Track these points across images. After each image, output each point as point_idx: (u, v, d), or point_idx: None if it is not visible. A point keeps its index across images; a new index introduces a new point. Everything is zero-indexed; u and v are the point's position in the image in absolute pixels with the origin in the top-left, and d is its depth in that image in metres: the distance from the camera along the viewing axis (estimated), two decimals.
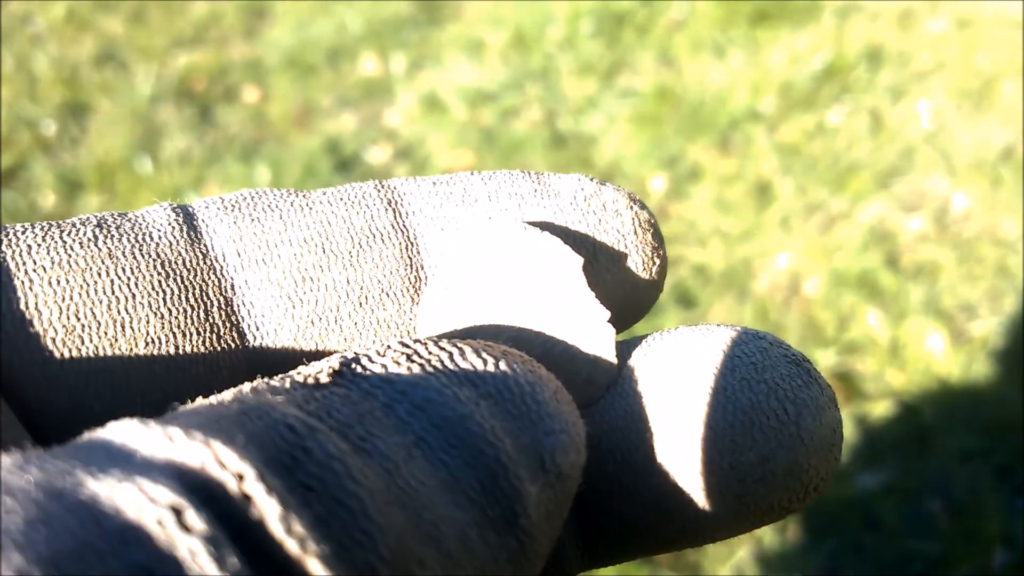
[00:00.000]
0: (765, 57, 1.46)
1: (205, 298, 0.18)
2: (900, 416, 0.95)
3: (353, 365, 0.14)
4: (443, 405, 0.14)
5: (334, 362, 0.14)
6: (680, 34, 1.53)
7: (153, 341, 0.17)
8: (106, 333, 0.17)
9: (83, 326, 0.17)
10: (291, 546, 0.11)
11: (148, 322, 0.17)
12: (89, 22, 1.84)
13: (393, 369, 0.14)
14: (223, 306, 0.18)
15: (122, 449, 0.12)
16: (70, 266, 0.17)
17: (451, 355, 0.15)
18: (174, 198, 1.33)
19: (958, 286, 1.08)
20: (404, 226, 0.19)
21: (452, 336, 0.18)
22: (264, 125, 1.50)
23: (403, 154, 1.38)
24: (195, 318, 0.18)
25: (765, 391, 0.17)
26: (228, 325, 0.18)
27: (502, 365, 0.15)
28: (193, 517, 0.11)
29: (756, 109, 1.37)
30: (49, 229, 0.18)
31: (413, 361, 0.14)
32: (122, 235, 0.18)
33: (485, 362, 0.15)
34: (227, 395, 0.13)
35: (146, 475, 0.11)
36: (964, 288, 1.08)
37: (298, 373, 0.14)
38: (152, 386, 0.17)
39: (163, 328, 0.18)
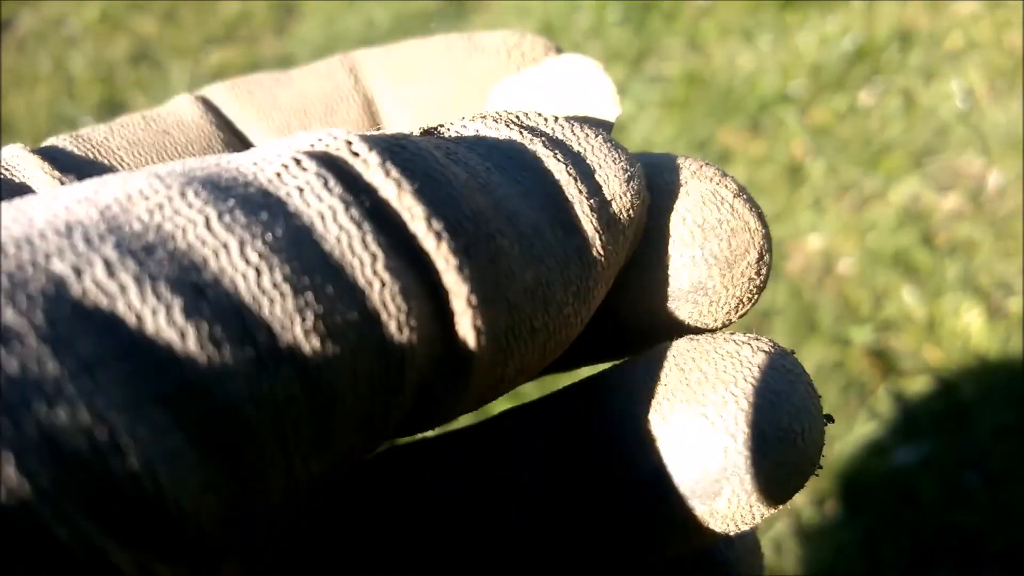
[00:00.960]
0: (794, 40, 1.46)
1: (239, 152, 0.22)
2: (937, 392, 0.95)
3: (438, 127, 0.17)
4: (515, 143, 0.16)
5: (422, 125, 0.17)
6: (708, 19, 1.53)
7: None
8: None
9: None
10: (389, 186, 0.13)
11: None
12: (123, 22, 1.88)
13: (471, 124, 0.17)
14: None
15: (250, 153, 0.14)
16: (141, 144, 0.21)
17: (517, 116, 0.17)
18: None
19: (994, 263, 1.07)
20: (364, 87, 0.24)
21: None
22: None
23: None
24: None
25: (673, 218, 0.19)
26: None
27: (561, 120, 0.17)
28: (308, 162, 0.13)
29: (786, 92, 1.36)
30: (95, 134, 0.22)
31: (487, 118, 0.17)
32: (166, 119, 0.22)
33: (546, 119, 0.17)
34: None
35: (274, 152, 0.14)
36: (1000, 265, 1.07)
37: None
38: None
39: None
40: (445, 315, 0.14)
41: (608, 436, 0.18)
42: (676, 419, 0.17)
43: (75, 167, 0.20)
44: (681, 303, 0.18)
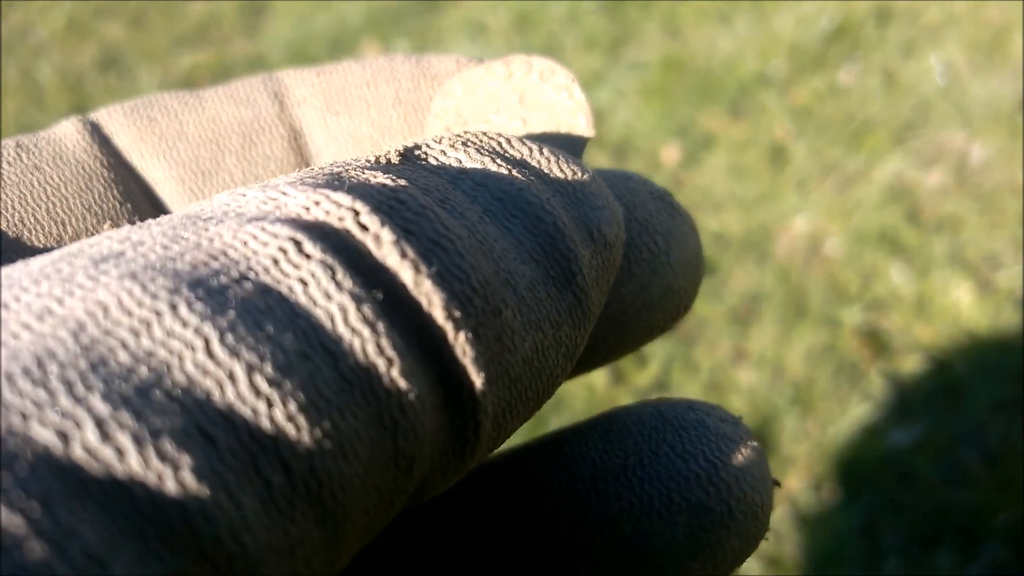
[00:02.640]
0: (771, 21, 1.44)
1: (130, 192, 0.20)
2: (930, 370, 0.94)
3: (415, 151, 0.15)
4: (501, 180, 0.15)
5: (398, 147, 0.15)
6: (684, 3, 1.52)
7: (92, 235, 0.19)
8: (50, 234, 0.18)
9: (28, 230, 0.18)
10: (406, 269, 0.12)
11: (85, 219, 0.19)
12: (90, 29, 1.84)
13: (451, 152, 0.15)
14: (147, 198, 0.20)
15: (234, 206, 0.12)
16: (5, 181, 0.19)
17: (500, 143, 0.16)
18: None
19: (981, 237, 1.07)
20: (290, 116, 0.21)
21: None
22: None
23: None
24: (125, 211, 0.19)
25: (637, 228, 0.18)
26: (155, 214, 0.20)
27: (546, 151, 0.16)
28: (311, 247, 0.12)
29: (765, 73, 1.35)
30: None
31: (469, 146, 0.15)
32: (41, 150, 0.19)
33: (531, 149, 0.16)
34: (303, 171, 0.14)
35: (262, 220, 0.12)
36: (987, 239, 1.06)
37: (366, 156, 0.15)
38: None
39: (99, 222, 0.19)
40: (453, 403, 0.13)
41: (577, 507, 0.18)
42: (646, 492, 0.17)
43: None
44: (651, 311, 0.19)
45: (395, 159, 0.14)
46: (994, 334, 0.96)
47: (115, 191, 0.19)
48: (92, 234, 0.19)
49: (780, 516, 0.84)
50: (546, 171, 0.15)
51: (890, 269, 1.05)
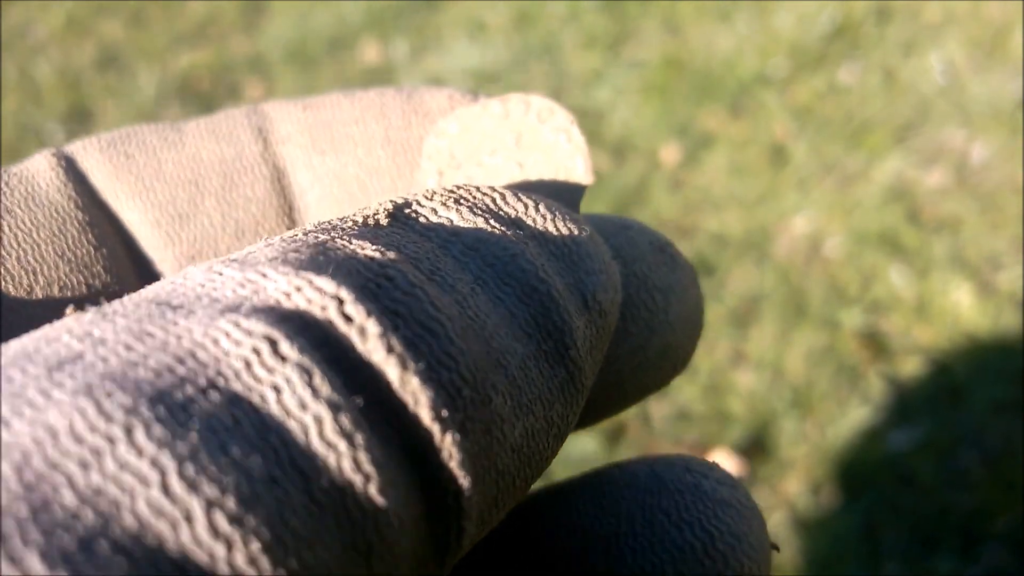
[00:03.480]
0: (771, 19, 1.44)
1: (104, 235, 0.19)
2: (930, 372, 0.94)
3: (405, 209, 0.14)
4: (494, 245, 0.14)
5: (387, 204, 0.14)
6: (684, 1, 1.51)
7: (66, 284, 0.18)
8: (20, 284, 0.17)
9: None
10: (391, 366, 0.11)
11: (58, 267, 0.18)
12: (89, 27, 1.84)
13: (443, 212, 0.14)
14: (122, 242, 0.19)
15: (209, 289, 0.12)
16: None
17: (494, 199, 0.15)
18: None
19: (981, 237, 1.06)
20: (274, 154, 0.20)
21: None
22: None
23: None
24: (99, 257, 0.18)
25: (635, 283, 0.18)
26: (130, 259, 0.19)
27: (542, 208, 0.15)
28: (287, 347, 0.11)
29: (765, 72, 1.35)
30: None
31: (461, 204, 0.14)
32: (12, 189, 0.18)
33: (526, 205, 0.15)
34: (287, 234, 0.13)
35: (236, 311, 0.11)
36: (988, 239, 1.06)
37: (354, 215, 0.14)
38: None
39: (72, 270, 0.18)
40: (435, 511, 0.12)
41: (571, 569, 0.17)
42: (638, 565, 0.17)
43: None
44: (647, 371, 0.18)
45: (384, 221, 0.14)
46: (994, 336, 0.96)
47: (89, 235, 0.18)
48: (64, 283, 0.18)
49: (779, 520, 0.84)
50: (541, 230, 0.15)
51: (890, 270, 1.04)
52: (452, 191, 0.15)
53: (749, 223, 1.13)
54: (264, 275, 0.12)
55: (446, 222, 0.14)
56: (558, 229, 0.15)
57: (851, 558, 0.81)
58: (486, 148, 0.18)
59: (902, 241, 1.08)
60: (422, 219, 0.14)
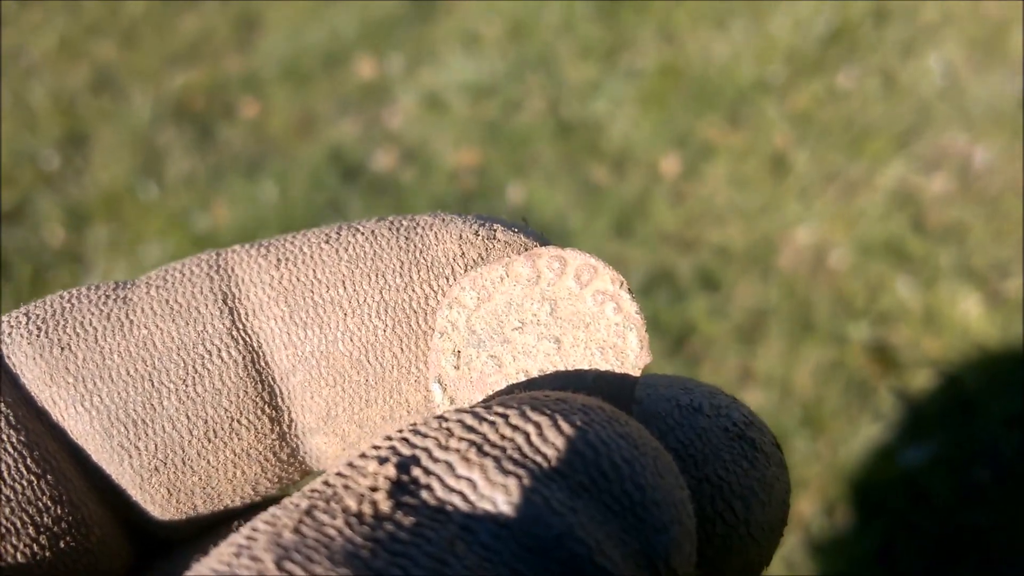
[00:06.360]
0: (767, 23, 1.43)
1: (47, 455, 0.15)
2: (940, 385, 0.93)
3: (412, 470, 0.11)
4: (534, 520, 0.11)
5: (390, 471, 0.11)
6: (679, 8, 1.50)
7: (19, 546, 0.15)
8: None
9: None
10: None
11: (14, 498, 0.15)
12: (82, 49, 1.83)
13: (462, 471, 0.11)
14: (69, 453, 0.16)
15: None
16: None
17: (527, 436, 0.12)
18: (182, 221, 1.31)
19: (988, 245, 1.05)
20: (245, 331, 0.16)
21: (501, 394, 0.15)
22: (265, 138, 1.49)
23: (408, 157, 1.36)
24: (45, 486, 0.15)
25: (710, 491, 0.15)
26: (83, 478, 0.16)
27: (589, 436, 0.12)
28: None
29: (763, 79, 1.34)
30: None
31: (485, 454, 0.11)
32: None
33: (566, 436, 0.12)
34: (264, 514, 0.11)
35: None
36: (994, 246, 1.05)
37: (347, 490, 0.11)
38: None
39: (12, 512, 0.15)
40: None
41: None
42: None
43: None
44: None
45: (385, 503, 0.11)
46: (1004, 346, 0.95)
47: (28, 460, 0.15)
48: (14, 547, 0.15)
49: (793, 544, 0.83)
50: (594, 477, 0.11)
51: (896, 281, 1.03)
52: (471, 440, 0.12)
53: (752, 235, 1.12)
54: None
55: (467, 490, 0.11)
56: (615, 467, 0.12)
57: None
58: (512, 320, 0.15)
59: (908, 250, 1.07)
60: (435, 490, 0.11)
